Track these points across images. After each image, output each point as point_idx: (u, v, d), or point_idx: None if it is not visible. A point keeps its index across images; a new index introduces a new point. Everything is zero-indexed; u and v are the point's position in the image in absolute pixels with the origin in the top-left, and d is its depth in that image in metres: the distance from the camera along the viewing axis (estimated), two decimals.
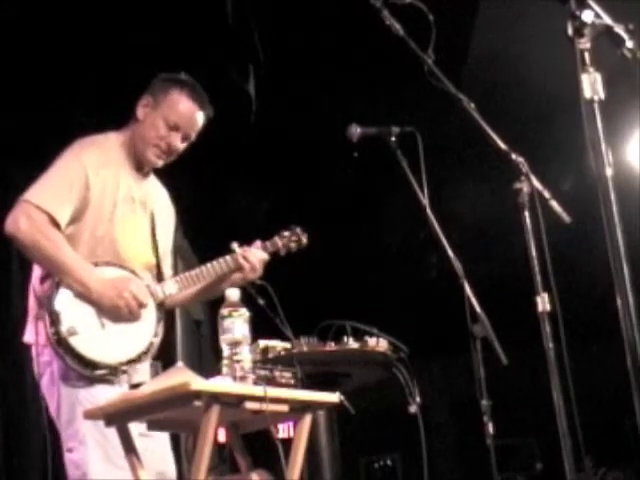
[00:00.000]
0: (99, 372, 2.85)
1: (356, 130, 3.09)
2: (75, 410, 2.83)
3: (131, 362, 2.92)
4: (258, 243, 3.27)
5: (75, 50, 4.83)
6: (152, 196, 3.20)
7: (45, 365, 2.91)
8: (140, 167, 3.14)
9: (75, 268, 2.86)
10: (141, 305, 2.95)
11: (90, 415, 2.68)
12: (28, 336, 2.97)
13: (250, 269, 3.17)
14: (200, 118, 3.14)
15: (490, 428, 2.74)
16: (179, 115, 3.08)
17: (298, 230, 3.39)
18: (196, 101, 3.12)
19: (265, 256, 3.23)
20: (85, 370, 2.84)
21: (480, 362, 2.72)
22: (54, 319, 2.83)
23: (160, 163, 3.14)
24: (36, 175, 2.97)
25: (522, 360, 3.82)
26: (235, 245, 3.20)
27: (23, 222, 2.85)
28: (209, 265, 3.16)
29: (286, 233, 3.36)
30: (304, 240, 3.39)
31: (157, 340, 3.05)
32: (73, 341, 2.82)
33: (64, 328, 2.82)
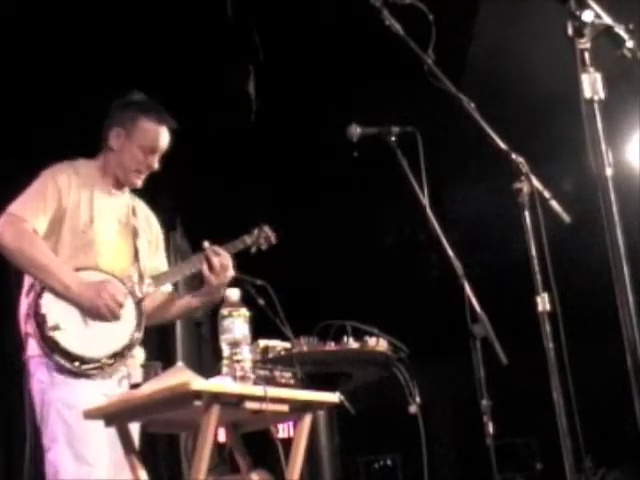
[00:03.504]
0: (86, 366, 3.01)
1: (356, 130, 3.09)
2: (49, 410, 3.00)
3: (116, 355, 3.06)
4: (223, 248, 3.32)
5: (73, 50, 4.83)
6: (134, 211, 3.38)
7: (31, 377, 3.07)
8: (117, 186, 3.34)
9: (56, 270, 3.07)
10: (120, 305, 3.10)
11: (90, 415, 2.69)
12: (24, 353, 3.13)
13: (215, 279, 3.22)
14: (168, 135, 3.33)
15: (490, 428, 2.74)
16: (153, 141, 3.28)
17: (266, 229, 3.54)
18: (162, 121, 3.31)
19: (229, 263, 3.27)
20: (72, 365, 2.99)
21: (480, 362, 2.72)
22: (40, 321, 3.00)
23: (140, 183, 3.36)
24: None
25: (522, 360, 3.81)
26: (206, 243, 3.29)
27: (7, 230, 3.08)
28: (181, 264, 3.37)
29: (255, 231, 3.50)
30: (273, 239, 3.53)
31: (140, 335, 3.19)
32: (58, 337, 2.98)
33: (49, 326, 2.99)
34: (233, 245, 3.40)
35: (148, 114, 3.29)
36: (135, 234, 3.34)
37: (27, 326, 3.06)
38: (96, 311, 3.06)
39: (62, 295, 3.04)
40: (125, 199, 3.38)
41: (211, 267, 3.22)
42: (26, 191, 3.19)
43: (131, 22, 4.87)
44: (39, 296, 3.04)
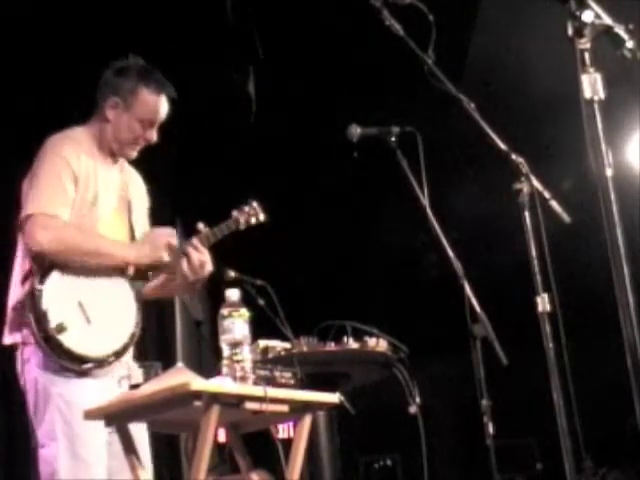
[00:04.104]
0: (87, 366, 2.93)
1: (356, 130, 3.10)
2: (47, 407, 2.90)
3: (117, 354, 2.99)
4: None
5: (72, 50, 4.83)
6: (126, 182, 3.25)
7: (25, 364, 2.97)
8: (112, 157, 3.19)
9: (110, 249, 3.02)
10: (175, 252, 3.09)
11: (90, 415, 2.69)
12: (8, 338, 3.02)
13: (193, 275, 3.13)
14: (167, 104, 3.18)
15: (490, 428, 2.74)
16: (153, 113, 3.14)
17: (255, 204, 3.40)
18: (162, 90, 3.16)
19: (208, 259, 3.15)
20: (73, 365, 2.91)
21: (480, 362, 2.72)
22: (41, 317, 2.87)
23: (135, 154, 3.21)
24: None
25: (522, 360, 3.81)
26: (201, 225, 3.20)
27: (42, 234, 2.92)
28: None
29: (246, 208, 3.36)
30: (261, 215, 3.38)
31: (138, 330, 3.10)
32: (62, 338, 2.88)
33: (52, 325, 2.87)
34: (227, 226, 3.28)
35: (148, 83, 3.12)
36: (129, 209, 3.22)
37: (22, 315, 2.92)
38: (160, 260, 3.08)
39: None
40: (120, 172, 3.23)
41: (190, 263, 3.11)
42: (37, 180, 3.01)
43: (131, 22, 4.87)
44: (39, 289, 2.89)
